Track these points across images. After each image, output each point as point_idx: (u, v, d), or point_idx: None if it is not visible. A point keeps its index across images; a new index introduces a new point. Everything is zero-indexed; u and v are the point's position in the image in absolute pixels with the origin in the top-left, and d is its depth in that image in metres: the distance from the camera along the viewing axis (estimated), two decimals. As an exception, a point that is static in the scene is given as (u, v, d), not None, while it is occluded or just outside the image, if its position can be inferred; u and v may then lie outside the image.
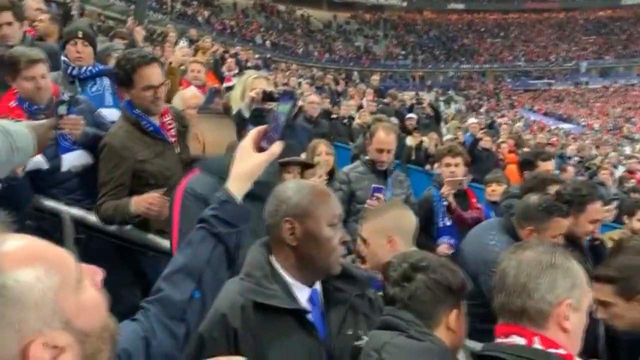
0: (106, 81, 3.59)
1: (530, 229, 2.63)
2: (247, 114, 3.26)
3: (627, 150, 19.80)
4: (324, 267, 1.60)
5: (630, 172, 10.88)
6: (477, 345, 2.24)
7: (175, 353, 1.25)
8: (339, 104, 10.59)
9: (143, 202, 2.65)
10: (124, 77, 2.77)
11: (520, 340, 1.33)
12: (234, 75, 7.93)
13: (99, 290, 0.87)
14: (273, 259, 1.61)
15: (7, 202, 2.51)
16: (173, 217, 2.25)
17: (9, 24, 3.54)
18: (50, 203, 2.91)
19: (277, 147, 1.35)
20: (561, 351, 1.31)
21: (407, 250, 2.05)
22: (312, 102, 6.75)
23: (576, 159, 12.06)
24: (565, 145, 15.59)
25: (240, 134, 3.33)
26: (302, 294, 1.59)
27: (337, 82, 13.31)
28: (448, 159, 3.83)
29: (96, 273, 0.89)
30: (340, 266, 1.62)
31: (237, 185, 1.34)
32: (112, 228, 2.81)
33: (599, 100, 42.22)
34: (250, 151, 1.35)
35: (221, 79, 7.96)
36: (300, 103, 7.12)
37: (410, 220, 2.28)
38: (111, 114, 3.38)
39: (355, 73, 26.22)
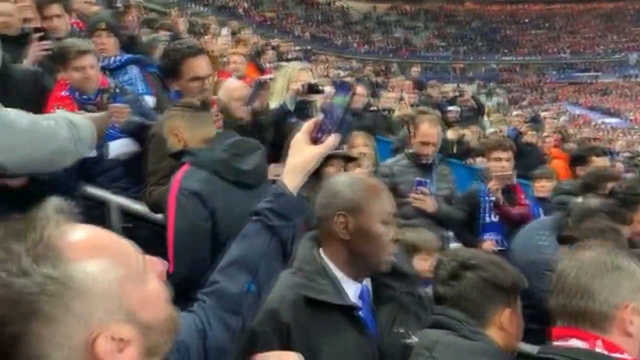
0: (135, 69, 3.65)
1: None
2: (291, 107, 3.24)
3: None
4: (374, 263, 1.58)
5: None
6: (525, 347, 2.19)
7: (230, 348, 1.24)
8: (378, 96, 10.48)
9: None
10: (172, 68, 2.80)
11: (580, 344, 1.28)
12: (274, 67, 7.94)
13: (162, 282, 0.87)
14: (322, 253, 1.60)
15: (55, 190, 2.59)
16: (168, 215, 2.23)
17: (58, 16, 3.62)
18: (97, 191, 2.95)
19: (332, 140, 1.32)
20: (626, 356, 1.25)
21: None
22: (357, 94, 6.66)
23: (625, 154, 11.64)
24: (611, 140, 15.08)
25: (283, 126, 3.34)
26: (352, 290, 1.58)
27: (377, 74, 13.17)
28: (497, 153, 3.73)
29: (159, 265, 0.88)
30: (390, 263, 1.60)
31: (292, 179, 1.33)
32: (159, 217, 2.84)
33: (648, 94, 40.60)
34: (304, 144, 1.33)
35: (261, 70, 7.98)
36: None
37: None
38: (146, 100, 3.43)
39: (395, 65, 25.91)
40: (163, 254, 2.86)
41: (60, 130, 1.72)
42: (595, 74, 43.48)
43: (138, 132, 2.95)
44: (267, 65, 8.95)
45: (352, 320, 1.52)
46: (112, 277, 0.76)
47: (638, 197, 2.70)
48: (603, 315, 1.28)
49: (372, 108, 8.98)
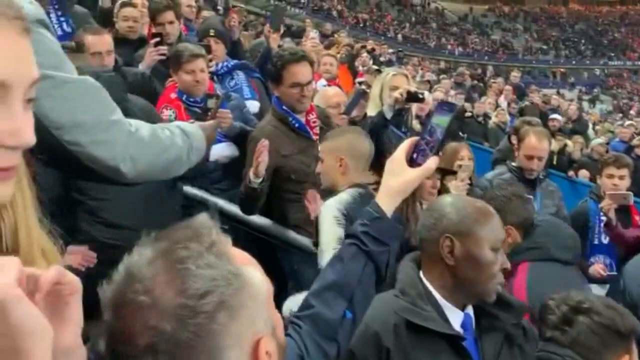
0: (242, 75, 3.73)
1: None
2: (389, 115, 3.16)
3: None
4: (480, 292, 1.49)
5: None
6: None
7: None
8: (473, 100, 10.15)
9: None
10: (274, 73, 2.83)
11: None
12: (368, 72, 7.89)
13: None
14: (423, 277, 1.53)
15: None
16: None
17: (171, 22, 3.78)
18: (197, 192, 3.04)
19: (433, 163, 1.25)
20: None
21: (358, 175, 2.24)
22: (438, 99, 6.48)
23: None
24: None
25: (381, 135, 3.28)
26: (455, 318, 1.50)
27: (477, 79, 12.74)
28: (612, 170, 3.44)
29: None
30: (496, 293, 1.50)
31: (388, 201, 1.27)
32: (255, 220, 2.89)
33: None
34: (403, 165, 1.27)
35: (355, 74, 7.95)
36: (431, 102, 6.89)
37: (364, 145, 2.36)
38: (251, 105, 3.51)
39: (490, 68, 25.01)
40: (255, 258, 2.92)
41: (176, 139, 1.75)
42: None
43: (239, 137, 3.02)
44: (361, 68, 8.94)
45: (456, 350, 1.44)
46: (266, 289, 0.77)
47: None
48: None
49: (467, 113, 8.72)
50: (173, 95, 3.12)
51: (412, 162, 1.26)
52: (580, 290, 1.59)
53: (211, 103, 2.94)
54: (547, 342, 1.46)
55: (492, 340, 1.49)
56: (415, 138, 1.30)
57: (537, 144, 3.27)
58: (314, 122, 2.92)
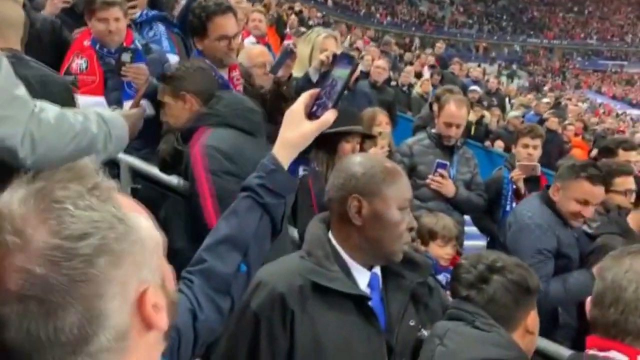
0: (161, 27, 3.51)
1: (557, 186, 2.72)
2: (314, 78, 3.09)
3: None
4: (387, 252, 1.49)
5: None
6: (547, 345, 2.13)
7: (219, 329, 1.19)
8: (399, 70, 10.26)
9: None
10: (198, 26, 2.70)
11: (622, 357, 1.20)
12: (295, 34, 7.73)
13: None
14: (332, 237, 1.51)
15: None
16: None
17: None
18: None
19: (330, 116, 1.21)
20: None
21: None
22: (379, 66, 6.47)
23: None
24: (634, 132, 14.75)
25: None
26: (362, 278, 1.49)
27: (404, 48, 12.87)
28: (527, 140, 3.58)
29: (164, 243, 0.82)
30: (402, 253, 1.51)
31: (285, 153, 1.23)
32: (168, 179, 2.77)
33: (674, 87, 39.68)
34: (300, 117, 1.22)
35: (282, 36, 7.79)
36: (363, 67, 6.86)
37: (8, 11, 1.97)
38: (171, 59, 3.27)
39: (417, 39, 25.42)
40: (170, 219, 2.81)
41: (90, 126, 1.62)
42: (621, 63, 42.51)
43: (155, 95, 2.84)
44: (289, 30, 8.76)
45: (362, 310, 1.44)
46: (156, 238, 0.73)
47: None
48: None
49: (392, 83, 8.81)
50: (86, 43, 2.89)
51: (311, 115, 1.22)
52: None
53: (125, 57, 2.75)
54: (462, 300, 1.49)
55: (397, 299, 1.50)
56: (315, 90, 1.25)
57: (456, 111, 3.33)
58: (237, 79, 2.82)
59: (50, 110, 1.49)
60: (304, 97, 1.25)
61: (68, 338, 0.63)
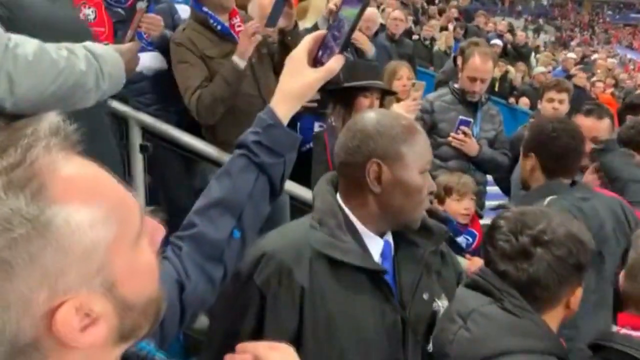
0: None
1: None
2: (323, 27, 2.94)
3: None
4: (406, 220, 1.35)
5: None
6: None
7: (211, 299, 1.08)
8: (421, 23, 9.92)
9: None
10: None
11: None
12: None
13: (156, 253, 0.67)
14: (342, 203, 1.36)
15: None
16: None
17: None
18: (119, 106, 2.77)
19: (337, 62, 1.07)
20: None
21: None
22: (396, 18, 6.22)
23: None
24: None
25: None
26: (375, 246, 1.36)
27: (426, 1, 12.41)
28: (553, 93, 3.39)
29: (158, 231, 0.68)
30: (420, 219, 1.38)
31: (285, 107, 1.10)
32: (180, 136, 2.69)
33: None
34: (302, 65, 1.09)
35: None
36: (382, 20, 6.62)
37: None
38: (184, 11, 3.10)
39: (440, -9, 24.56)
40: (182, 177, 2.74)
41: (77, 62, 1.46)
42: (654, 16, 40.82)
43: (166, 47, 2.71)
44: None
45: (377, 284, 1.32)
46: (102, 235, 0.58)
47: None
48: None
49: (414, 37, 8.52)
50: None
51: (316, 62, 1.08)
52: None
53: (141, 5, 2.48)
54: (495, 274, 1.29)
55: (410, 269, 1.38)
56: (321, 32, 1.11)
57: (480, 65, 3.15)
58: (239, 26, 2.70)
59: (28, 44, 1.33)
60: (307, 41, 1.11)
61: None
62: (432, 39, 8.77)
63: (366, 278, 1.30)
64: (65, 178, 0.56)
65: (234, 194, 1.08)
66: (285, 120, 1.11)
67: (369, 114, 1.38)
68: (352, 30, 1.06)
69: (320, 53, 1.09)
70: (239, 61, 2.55)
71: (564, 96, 3.37)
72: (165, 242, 0.97)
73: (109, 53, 1.61)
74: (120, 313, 0.60)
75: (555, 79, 4.07)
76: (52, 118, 0.58)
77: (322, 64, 1.08)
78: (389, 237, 1.39)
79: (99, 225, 0.57)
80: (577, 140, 2.11)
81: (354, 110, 2.76)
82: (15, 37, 1.32)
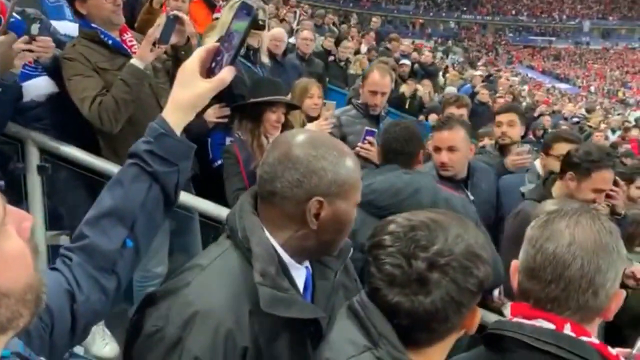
0: None
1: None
2: None
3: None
4: (332, 250, 1.29)
5: (624, 138, 10.77)
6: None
7: (104, 310, 1.07)
8: (337, 45, 10.17)
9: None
10: None
11: (548, 325, 1.13)
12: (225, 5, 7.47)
13: (26, 240, 0.67)
14: (267, 233, 1.22)
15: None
16: None
17: None
18: (14, 127, 2.64)
19: (228, 73, 1.11)
20: (593, 339, 1.13)
21: None
22: (306, 38, 6.39)
23: (575, 119, 11.89)
24: (556, 103, 15.41)
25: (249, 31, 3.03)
26: (300, 278, 1.27)
27: (340, 23, 12.74)
28: (452, 109, 3.62)
29: (25, 219, 0.69)
30: None
31: (177, 116, 1.11)
32: (78, 154, 2.60)
33: (597, 62, 41.70)
34: (194, 75, 1.11)
35: (212, 7, 7.51)
36: (292, 40, 6.76)
37: None
38: (72, 28, 2.90)
39: (354, 15, 25.36)
40: (84, 197, 2.65)
41: None
42: (550, 38, 44.16)
43: (55, 68, 2.60)
44: (220, 3, 8.46)
45: (309, 327, 1.22)
46: None
47: (592, 165, 2.59)
48: (599, 308, 1.12)
49: (330, 58, 8.73)
50: None
51: (209, 72, 1.12)
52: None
53: (34, 29, 2.34)
54: (387, 308, 1.08)
55: (323, 290, 1.34)
56: (213, 44, 1.14)
57: (379, 79, 3.32)
58: (131, 41, 2.67)
59: None
60: (199, 53, 1.13)
61: None
62: (347, 61, 9.03)
63: (302, 322, 1.21)
64: None
65: (126, 203, 1.07)
66: (178, 130, 1.11)
67: (305, 140, 1.22)
68: (242, 41, 1.11)
69: (213, 64, 1.12)
70: (138, 63, 2.51)
71: (463, 111, 3.61)
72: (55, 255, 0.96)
73: None
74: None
75: (455, 94, 4.34)
76: None
77: (214, 74, 1.11)
78: (307, 263, 1.32)
79: None
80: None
81: (262, 124, 2.82)
82: None
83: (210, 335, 1.09)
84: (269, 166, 1.21)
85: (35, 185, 2.61)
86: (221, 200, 2.89)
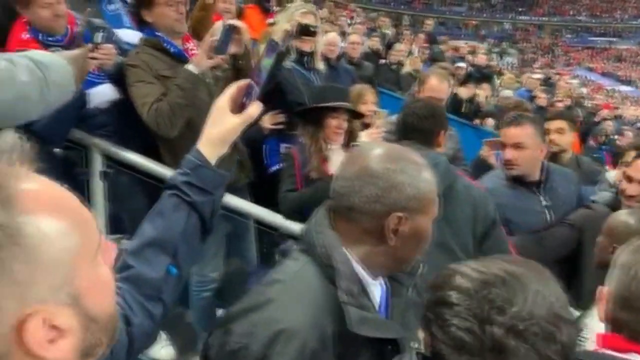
0: (120, 1, 3.23)
1: None
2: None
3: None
4: (407, 267, 1.28)
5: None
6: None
7: (154, 335, 1.13)
8: (388, 48, 10.09)
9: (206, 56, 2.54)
10: None
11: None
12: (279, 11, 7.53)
13: (111, 270, 0.69)
14: (343, 248, 1.20)
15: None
16: None
17: None
18: (79, 134, 2.74)
19: (254, 109, 1.19)
20: None
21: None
22: (353, 42, 6.35)
23: (639, 124, 11.36)
24: (618, 107, 14.76)
25: (277, 67, 3.07)
26: (377, 294, 1.26)
27: (393, 26, 12.64)
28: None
29: (111, 249, 0.70)
30: None
31: (210, 149, 1.19)
32: (140, 161, 2.65)
33: (663, 63, 39.76)
34: (224, 112, 1.19)
35: (267, 12, 7.59)
36: (340, 44, 6.73)
37: None
38: (131, 35, 2.97)
39: (406, 17, 25.16)
40: (144, 203, 2.70)
41: (18, 74, 1.40)
42: (611, 39, 42.38)
43: (118, 75, 2.67)
44: (274, 9, 8.55)
45: (389, 349, 1.20)
46: (68, 246, 0.59)
47: None
48: None
49: (381, 61, 8.67)
50: (25, 36, 2.55)
51: (242, 107, 1.19)
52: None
53: (98, 38, 2.41)
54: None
55: (398, 308, 1.32)
56: (244, 81, 1.21)
57: (437, 84, 3.25)
58: (193, 49, 2.73)
59: None
60: (231, 90, 1.21)
61: None
62: (399, 63, 8.94)
63: (382, 341, 1.18)
64: (30, 191, 0.58)
65: (167, 232, 1.13)
66: (212, 161, 1.19)
67: (378, 152, 1.22)
68: (269, 78, 1.19)
69: (244, 99, 1.19)
70: (193, 68, 2.56)
71: None
72: None
73: (56, 61, 1.54)
74: (84, 327, 0.61)
75: (515, 100, 4.19)
76: (10, 134, 0.60)
77: (246, 108, 1.19)
78: (382, 279, 1.30)
79: (65, 236, 0.59)
80: None
81: (323, 129, 2.82)
82: None
83: (296, 355, 1.08)
84: (346, 181, 1.20)
85: (98, 190, 2.69)
86: (276, 206, 2.90)
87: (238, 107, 1.19)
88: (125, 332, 1.03)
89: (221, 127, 1.18)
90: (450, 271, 0.99)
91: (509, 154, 2.69)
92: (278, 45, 1.22)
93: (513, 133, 2.71)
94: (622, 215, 2.04)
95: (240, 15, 5.16)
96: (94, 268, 0.63)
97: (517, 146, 2.68)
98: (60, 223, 0.59)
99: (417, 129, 2.34)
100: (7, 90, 1.36)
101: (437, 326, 0.94)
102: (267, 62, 1.19)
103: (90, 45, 2.35)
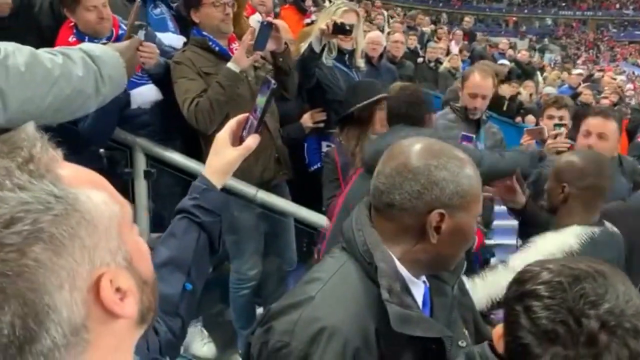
0: (164, 5, 3.26)
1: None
2: (317, 48, 3.02)
3: None
4: (451, 265, 1.24)
5: None
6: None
7: (178, 348, 1.23)
8: (426, 46, 9.98)
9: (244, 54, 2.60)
10: None
11: None
12: (316, 11, 7.52)
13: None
14: (384, 246, 1.18)
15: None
16: None
17: None
18: (123, 134, 2.80)
19: (252, 142, 1.27)
20: None
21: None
22: (396, 41, 6.29)
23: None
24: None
25: (310, 69, 3.07)
26: (418, 292, 1.22)
27: (433, 23, 12.49)
28: (552, 110, 3.38)
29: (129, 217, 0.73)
30: None
31: (215, 178, 1.29)
32: (183, 161, 2.69)
33: None
34: (224, 144, 1.28)
35: (303, 12, 7.60)
36: (384, 43, 6.68)
37: None
38: (175, 40, 3.06)
39: (444, 14, 24.81)
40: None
41: (73, 68, 1.39)
42: (659, 33, 40.84)
43: (162, 76, 2.72)
44: (311, 9, 8.56)
45: (433, 348, 1.16)
46: (114, 213, 0.63)
47: None
48: None
49: (419, 59, 8.58)
50: (72, 39, 2.57)
51: (241, 140, 1.28)
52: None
53: (141, 35, 2.34)
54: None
55: (443, 307, 1.29)
56: (243, 115, 1.30)
57: (480, 81, 3.16)
58: (237, 49, 2.76)
59: (19, 54, 1.26)
60: (231, 123, 1.29)
61: (10, 339, 0.53)
62: (437, 61, 8.82)
63: (425, 340, 1.15)
64: (69, 170, 0.61)
65: (180, 252, 1.22)
66: (218, 187, 1.27)
67: (419, 148, 1.18)
68: (263, 114, 1.26)
69: (243, 132, 1.28)
70: (233, 66, 2.63)
71: (563, 112, 3.36)
72: None
73: (108, 54, 1.53)
74: (140, 288, 0.65)
75: (555, 95, 4.06)
76: (31, 126, 0.62)
77: (244, 140, 1.27)
78: (424, 278, 1.27)
79: (109, 204, 0.63)
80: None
81: (370, 126, 2.79)
82: (6, 47, 1.27)
83: (338, 354, 1.07)
84: (386, 177, 1.17)
85: (141, 189, 2.74)
86: (316, 204, 2.89)
87: (237, 140, 1.29)
88: (157, 342, 1.11)
89: (221, 159, 1.27)
90: (532, 267, 1.01)
91: (593, 141, 2.74)
92: (271, 82, 1.29)
93: (598, 123, 2.75)
94: (565, 157, 2.20)
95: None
96: (133, 235, 0.67)
97: (601, 136, 2.74)
98: (102, 193, 0.63)
99: (405, 116, 2.50)
100: (65, 85, 1.37)
101: (525, 317, 0.96)
102: (261, 100, 1.27)
103: (137, 38, 2.38)
